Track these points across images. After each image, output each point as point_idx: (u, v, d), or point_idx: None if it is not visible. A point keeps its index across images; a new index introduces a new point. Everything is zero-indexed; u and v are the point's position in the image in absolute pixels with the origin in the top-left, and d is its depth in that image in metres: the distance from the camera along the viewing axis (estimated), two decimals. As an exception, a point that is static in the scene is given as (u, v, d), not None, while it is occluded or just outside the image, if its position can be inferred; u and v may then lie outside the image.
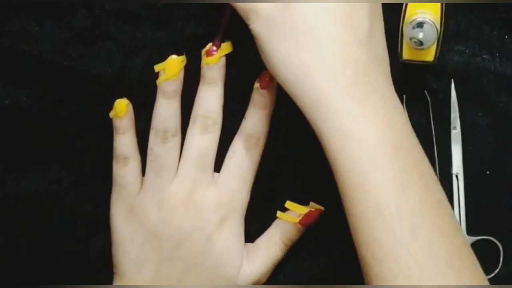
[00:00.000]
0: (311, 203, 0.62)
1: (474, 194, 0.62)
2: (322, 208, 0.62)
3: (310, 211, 0.62)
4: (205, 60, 0.61)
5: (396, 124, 0.52)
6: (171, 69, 0.61)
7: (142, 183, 0.61)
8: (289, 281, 0.63)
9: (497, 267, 0.62)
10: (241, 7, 0.55)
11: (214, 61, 0.60)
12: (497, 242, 0.62)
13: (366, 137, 0.51)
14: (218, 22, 0.61)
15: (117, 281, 0.61)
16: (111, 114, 0.62)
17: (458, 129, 0.62)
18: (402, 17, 0.58)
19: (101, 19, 0.62)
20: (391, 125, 0.52)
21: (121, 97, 0.62)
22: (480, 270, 0.52)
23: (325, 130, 0.52)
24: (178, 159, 0.61)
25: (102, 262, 0.63)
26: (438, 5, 0.58)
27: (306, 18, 0.53)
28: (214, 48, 0.60)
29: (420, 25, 0.56)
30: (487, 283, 0.53)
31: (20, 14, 0.63)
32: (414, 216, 0.50)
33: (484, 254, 0.61)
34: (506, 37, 0.62)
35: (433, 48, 0.58)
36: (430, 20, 0.57)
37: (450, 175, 0.62)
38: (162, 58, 0.61)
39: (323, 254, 0.63)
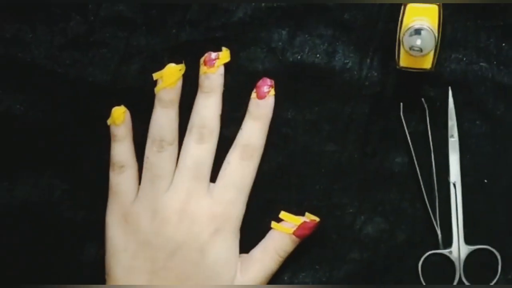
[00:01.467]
0: (307, 214, 0.62)
1: (472, 203, 0.62)
2: (318, 219, 0.62)
3: (305, 222, 0.61)
4: (203, 69, 0.61)
5: None
6: (169, 77, 0.61)
7: (138, 191, 0.61)
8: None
9: (495, 277, 0.62)
10: None
11: (212, 71, 0.60)
12: (495, 251, 0.62)
13: None
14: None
15: None
16: (109, 122, 0.62)
17: (456, 137, 0.62)
18: (399, 25, 0.58)
19: (95, 26, 0.62)
20: None
21: (115, 104, 0.62)
22: None
23: None
24: (174, 168, 0.61)
25: (95, 270, 0.63)
26: (436, 12, 0.58)
27: None
28: (213, 57, 0.60)
29: (418, 31, 0.56)
30: None
31: (13, 21, 0.63)
32: None
33: (482, 264, 0.62)
34: (503, 44, 0.62)
35: (431, 55, 0.58)
36: (427, 26, 0.57)
37: (448, 183, 0.62)
38: (157, 64, 0.62)
39: (321, 263, 0.63)
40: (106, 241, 0.61)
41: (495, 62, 0.62)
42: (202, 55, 0.61)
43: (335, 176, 0.62)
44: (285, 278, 0.63)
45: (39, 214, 0.63)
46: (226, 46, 0.62)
